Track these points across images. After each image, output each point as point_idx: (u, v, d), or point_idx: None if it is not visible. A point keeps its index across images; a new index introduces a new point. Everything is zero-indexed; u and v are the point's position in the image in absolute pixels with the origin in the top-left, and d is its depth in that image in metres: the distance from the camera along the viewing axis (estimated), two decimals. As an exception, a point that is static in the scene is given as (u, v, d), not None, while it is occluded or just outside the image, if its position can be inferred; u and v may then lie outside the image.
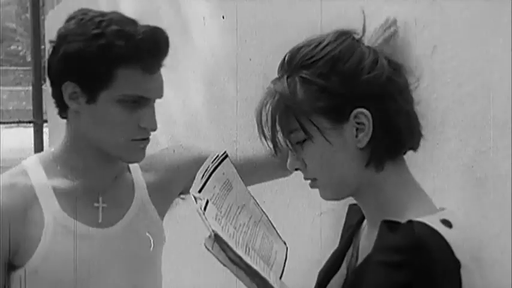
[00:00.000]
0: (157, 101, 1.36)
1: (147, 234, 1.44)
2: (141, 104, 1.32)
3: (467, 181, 1.17)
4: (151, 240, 1.45)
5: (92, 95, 1.30)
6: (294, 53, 1.09)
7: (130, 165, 1.47)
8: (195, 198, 1.14)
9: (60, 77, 1.33)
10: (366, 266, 1.07)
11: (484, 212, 1.14)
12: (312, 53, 1.07)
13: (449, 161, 1.20)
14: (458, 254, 1.00)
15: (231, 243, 1.09)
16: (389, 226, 1.04)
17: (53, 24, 4.87)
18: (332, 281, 1.18)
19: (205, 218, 1.10)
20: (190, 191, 1.16)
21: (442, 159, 1.21)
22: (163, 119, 2.77)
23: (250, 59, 1.93)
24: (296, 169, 1.12)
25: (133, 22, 1.33)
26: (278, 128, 1.10)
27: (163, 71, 1.34)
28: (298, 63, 1.07)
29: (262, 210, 1.31)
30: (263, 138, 1.10)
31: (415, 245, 0.98)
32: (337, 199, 1.14)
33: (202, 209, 1.11)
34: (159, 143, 2.71)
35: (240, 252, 1.09)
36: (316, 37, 1.09)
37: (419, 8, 1.26)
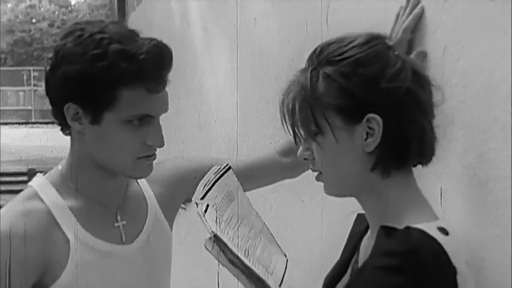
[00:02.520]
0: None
1: (163, 246, 1.46)
2: (146, 121, 1.29)
3: (470, 182, 1.17)
4: (168, 252, 1.48)
5: (96, 116, 1.27)
6: (324, 47, 1.12)
7: (140, 184, 1.46)
8: (196, 203, 1.18)
9: (62, 98, 1.29)
10: (362, 270, 1.09)
11: (486, 213, 1.14)
12: (340, 51, 1.09)
13: (454, 162, 1.21)
14: (455, 261, 1.02)
15: (230, 244, 1.13)
16: (386, 231, 1.06)
17: (137, 26, 5.04)
18: (337, 286, 1.20)
19: (206, 220, 1.14)
20: (193, 198, 1.20)
21: (447, 160, 1.21)
22: (220, 116, 2.85)
23: (292, 60, 1.96)
24: (304, 159, 1.16)
25: (134, 36, 1.28)
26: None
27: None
28: (324, 59, 1.10)
29: (263, 222, 1.34)
30: (285, 126, 1.14)
31: (410, 251, 0.99)
32: (339, 196, 1.17)
33: (203, 211, 1.16)
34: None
35: (239, 253, 1.13)
36: (350, 36, 1.11)
37: (431, 9, 1.27)
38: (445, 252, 1.01)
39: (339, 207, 1.61)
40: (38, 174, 1.40)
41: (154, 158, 1.35)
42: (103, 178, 1.36)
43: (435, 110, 1.13)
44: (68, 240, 1.31)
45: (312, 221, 1.89)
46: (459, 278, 1.02)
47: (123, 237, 1.38)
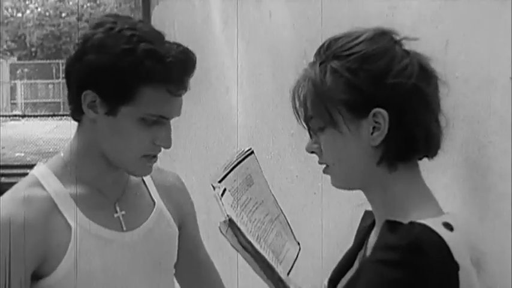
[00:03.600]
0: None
1: (167, 239, 1.47)
2: (158, 122, 1.31)
3: (470, 175, 1.19)
4: (172, 245, 1.49)
5: (113, 108, 1.29)
6: (332, 42, 1.13)
7: (145, 178, 1.48)
8: (213, 186, 1.19)
9: (82, 84, 1.31)
10: (365, 263, 1.11)
11: (486, 206, 1.15)
12: (347, 46, 1.11)
13: (455, 155, 1.22)
14: (458, 257, 1.02)
15: (244, 229, 1.14)
16: (390, 226, 1.08)
17: (160, 20, 5.11)
18: (343, 279, 1.21)
19: (222, 203, 1.15)
20: (210, 180, 1.20)
21: (449, 153, 1.22)
22: (240, 109, 2.88)
23: (305, 52, 1.98)
24: (312, 152, 1.18)
25: (162, 39, 1.31)
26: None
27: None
28: (332, 53, 1.12)
29: (280, 209, 1.35)
30: (297, 119, 1.16)
31: (412, 246, 1.01)
32: (346, 189, 1.19)
33: (220, 195, 1.17)
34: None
35: (251, 238, 1.14)
36: (357, 30, 1.13)
37: (433, 5, 1.28)
38: (448, 248, 1.01)
39: (351, 200, 1.62)
40: (39, 162, 1.41)
41: (156, 160, 1.37)
42: (105, 169, 1.38)
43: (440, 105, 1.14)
44: (69, 227, 1.33)
45: (325, 213, 1.90)
46: (461, 274, 1.02)
47: (123, 226, 1.40)
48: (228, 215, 1.14)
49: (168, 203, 1.50)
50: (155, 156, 1.36)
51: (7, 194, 1.34)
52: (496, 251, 1.14)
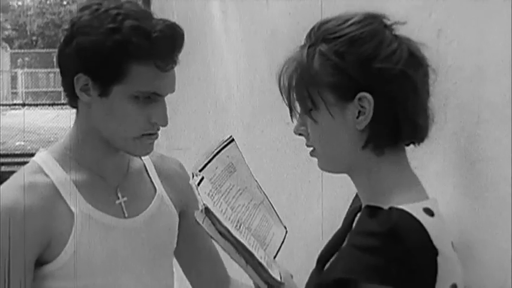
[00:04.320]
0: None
1: (168, 226, 1.48)
2: (152, 99, 1.32)
3: (461, 164, 1.19)
4: (173, 233, 1.50)
5: (105, 89, 1.30)
6: (321, 25, 1.14)
7: (147, 165, 1.49)
8: (192, 174, 1.19)
9: (73, 68, 1.32)
10: (344, 248, 1.12)
11: (476, 194, 1.16)
12: (336, 29, 1.11)
13: (447, 143, 1.23)
14: (437, 242, 1.03)
15: (220, 217, 1.14)
16: (370, 211, 1.09)
17: (160, 10, 5.11)
18: (331, 260, 1.21)
19: (198, 192, 1.16)
20: (191, 169, 1.21)
21: (440, 142, 1.23)
22: (237, 99, 2.88)
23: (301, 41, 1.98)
24: (300, 134, 1.18)
25: (149, 15, 1.32)
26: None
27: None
28: (320, 36, 1.12)
29: (265, 194, 1.35)
30: (284, 101, 1.16)
31: (388, 232, 1.01)
32: (332, 172, 1.20)
33: (196, 184, 1.17)
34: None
35: (228, 226, 1.14)
36: (348, 14, 1.13)
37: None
38: (426, 234, 1.02)
39: (344, 187, 1.63)
40: (41, 149, 1.43)
41: (157, 137, 1.37)
42: (105, 153, 1.38)
43: (430, 91, 1.14)
44: (71, 214, 1.34)
45: (318, 199, 1.92)
46: (440, 260, 1.03)
47: (125, 213, 1.41)
48: (204, 204, 1.14)
49: (170, 190, 1.51)
50: (154, 134, 1.36)
51: (9, 181, 1.35)
52: (487, 238, 1.15)
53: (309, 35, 1.15)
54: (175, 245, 1.52)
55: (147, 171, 1.50)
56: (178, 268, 1.63)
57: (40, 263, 1.34)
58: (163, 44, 1.28)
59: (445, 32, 1.22)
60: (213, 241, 1.17)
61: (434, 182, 1.24)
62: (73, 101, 1.37)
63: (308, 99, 1.12)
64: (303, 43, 1.15)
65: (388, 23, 1.12)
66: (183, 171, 1.57)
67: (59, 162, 1.38)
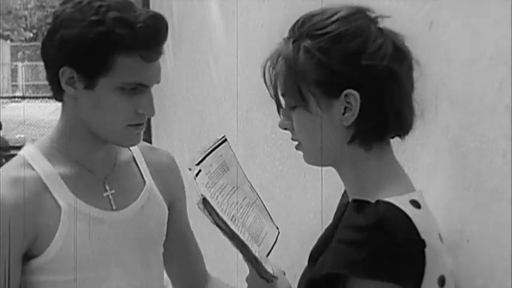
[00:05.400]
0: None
1: (157, 218, 1.48)
2: (138, 90, 1.31)
3: (452, 155, 1.20)
4: (162, 225, 1.50)
5: (90, 81, 1.30)
6: (306, 19, 1.12)
7: (136, 157, 1.49)
8: (189, 168, 1.20)
9: (57, 62, 1.31)
10: (332, 243, 1.11)
11: (467, 185, 1.16)
12: (321, 24, 1.09)
13: (438, 135, 1.23)
14: (424, 234, 1.03)
15: (218, 209, 1.15)
16: (357, 205, 1.09)
17: (160, 6, 5.13)
18: (323, 255, 1.20)
19: (196, 182, 1.17)
20: (188, 163, 1.21)
21: (432, 133, 1.24)
22: (233, 92, 2.89)
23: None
24: (285, 129, 1.18)
25: (132, 6, 1.31)
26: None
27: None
28: (305, 31, 1.10)
29: (257, 194, 1.36)
30: (270, 94, 1.15)
31: (375, 225, 1.01)
32: (317, 165, 1.20)
33: (194, 175, 1.18)
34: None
35: (225, 218, 1.15)
36: (332, 8, 1.11)
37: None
38: (413, 226, 1.02)
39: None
40: (27, 143, 1.42)
41: (144, 127, 1.37)
42: (93, 146, 1.38)
43: (417, 84, 1.14)
44: (59, 207, 1.34)
45: (316, 194, 1.92)
46: (428, 251, 1.03)
47: (113, 205, 1.41)
48: (202, 194, 1.14)
49: (159, 182, 1.51)
50: (141, 125, 1.36)
51: None
52: (477, 229, 1.15)
53: (292, 29, 1.13)
54: (164, 237, 1.52)
55: (136, 163, 1.49)
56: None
57: (28, 257, 1.34)
58: (147, 34, 1.28)
59: (437, 24, 1.22)
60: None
61: (426, 174, 1.25)
62: (58, 94, 1.37)
63: (293, 95, 1.11)
64: (286, 36, 1.13)
65: (373, 15, 1.11)
66: (173, 164, 1.58)
67: (45, 156, 1.37)
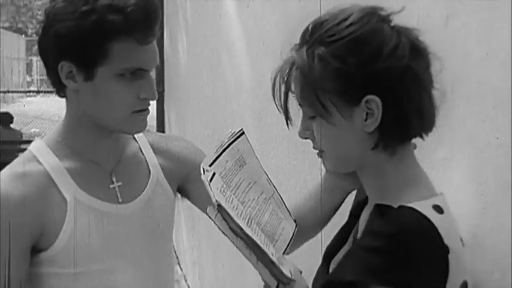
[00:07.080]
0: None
1: (164, 209, 1.47)
2: (138, 75, 1.32)
3: (468, 150, 1.19)
4: (170, 217, 1.49)
5: (89, 72, 1.31)
6: (317, 25, 1.08)
7: (143, 147, 1.49)
8: (203, 170, 1.17)
9: (55, 57, 1.32)
10: (353, 249, 1.10)
11: (483, 181, 1.16)
12: (334, 30, 1.06)
13: (454, 130, 1.23)
14: (447, 239, 1.01)
15: (233, 214, 1.12)
16: (380, 210, 1.07)
17: (173, 2, 5.13)
18: (337, 255, 1.21)
19: (210, 188, 1.14)
20: (201, 164, 1.19)
21: (448, 129, 1.23)
22: (246, 87, 2.89)
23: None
24: (305, 138, 1.15)
25: None
26: (290, 96, 1.11)
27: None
28: (318, 38, 1.07)
29: (274, 187, 1.34)
30: (276, 103, 1.13)
31: (398, 232, 1.00)
32: (339, 172, 1.19)
33: (208, 180, 1.15)
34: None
35: (241, 223, 1.12)
36: (343, 12, 1.08)
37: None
38: (437, 232, 1.01)
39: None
40: (36, 138, 1.43)
41: (148, 113, 1.38)
42: (98, 138, 1.39)
43: (435, 79, 1.13)
44: (65, 201, 1.35)
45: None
46: (451, 257, 1.02)
47: (119, 198, 1.41)
48: (217, 200, 1.12)
49: (167, 164, 1.50)
50: (145, 110, 1.36)
51: (4, 170, 1.37)
52: (493, 224, 1.15)
53: (303, 36, 1.09)
54: (173, 228, 1.52)
55: (143, 153, 1.49)
56: (179, 251, 1.63)
57: (36, 250, 1.36)
58: (139, 17, 1.29)
59: (453, 19, 1.22)
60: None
61: (442, 169, 1.24)
62: (60, 90, 1.38)
63: (312, 105, 1.08)
64: (298, 43, 1.09)
65: (385, 14, 1.08)
66: (183, 142, 1.57)
67: (52, 150, 1.39)
